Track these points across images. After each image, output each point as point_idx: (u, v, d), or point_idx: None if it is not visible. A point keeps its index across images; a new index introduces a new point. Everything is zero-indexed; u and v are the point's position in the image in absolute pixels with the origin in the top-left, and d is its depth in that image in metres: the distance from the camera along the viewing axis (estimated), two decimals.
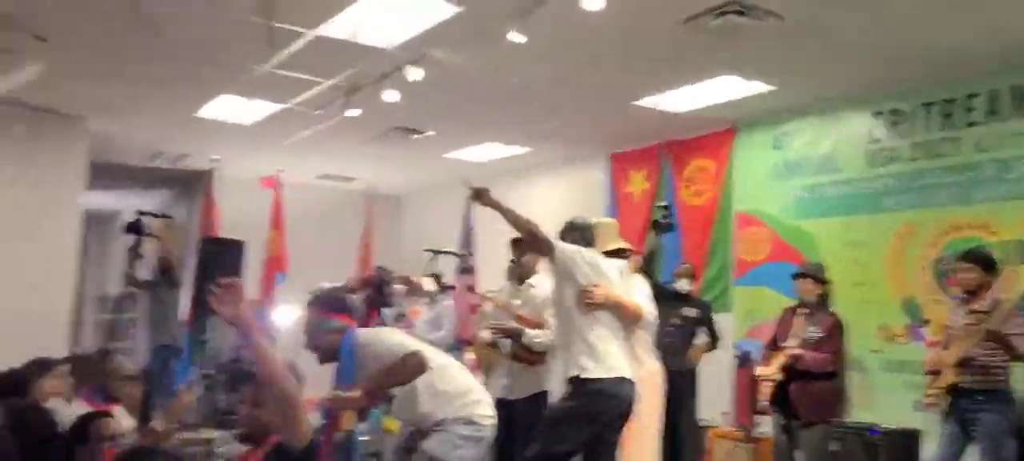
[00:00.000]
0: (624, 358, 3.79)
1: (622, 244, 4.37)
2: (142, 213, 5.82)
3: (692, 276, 6.35)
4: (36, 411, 3.62)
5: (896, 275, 6.29)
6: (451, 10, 5.11)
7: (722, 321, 7.26)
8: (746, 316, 7.37)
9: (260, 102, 7.44)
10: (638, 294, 4.14)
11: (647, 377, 4.15)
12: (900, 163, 6.32)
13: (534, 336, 4.20)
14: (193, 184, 9.72)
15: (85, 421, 3.46)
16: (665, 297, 6.40)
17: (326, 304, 3.64)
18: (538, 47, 5.56)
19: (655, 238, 5.19)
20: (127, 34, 5.92)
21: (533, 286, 4.23)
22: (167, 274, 6.51)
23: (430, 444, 3.54)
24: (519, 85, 6.69)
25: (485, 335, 4.31)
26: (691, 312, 6.21)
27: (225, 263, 7.15)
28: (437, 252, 4.27)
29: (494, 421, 3.61)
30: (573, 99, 7.03)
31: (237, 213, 8.59)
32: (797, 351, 5.13)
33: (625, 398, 3.74)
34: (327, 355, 3.57)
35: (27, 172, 7.59)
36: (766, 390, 5.35)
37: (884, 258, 6.36)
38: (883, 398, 6.10)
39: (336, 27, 5.52)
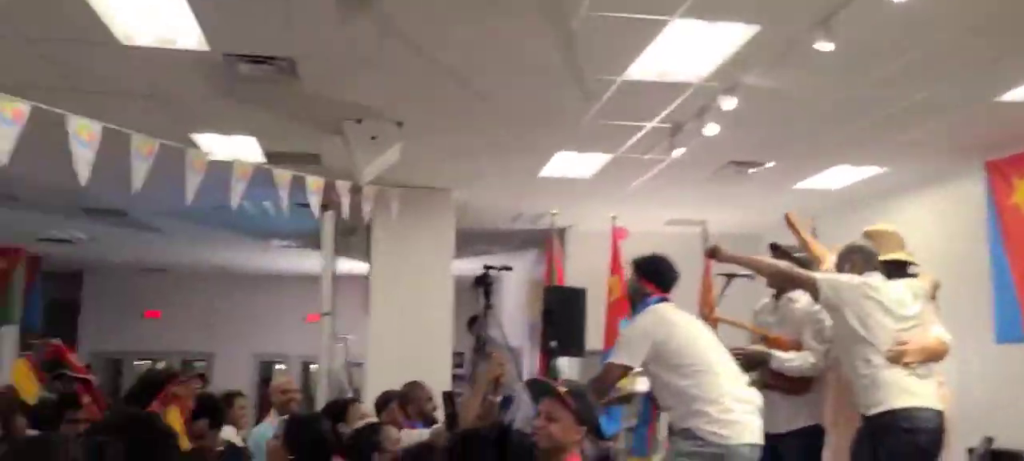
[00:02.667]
0: (916, 381, 3.25)
1: (904, 256, 3.79)
2: (488, 267, 6.35)
3: None
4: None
5: None
6: (749, 31, 4.91)
7: None
8: None
9: (593, 155, 7.77)
10: (936, 326, 3.53)
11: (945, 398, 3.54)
12: None
13: (785, 359, 3.74)
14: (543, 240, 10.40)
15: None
16: None
17: (641, 268, 3.71)
18: (854, 54, 5.10)
19: None
20: (466, 111, 6.62)
21: (793, 300, 3.82)
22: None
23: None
24: (851, 99, 6.17)
25: None
26: None
27: (568, 310, 7.56)
28: (730, 276, 4.07)
29: (732, 442, 3.24)
30: (921, 106, 6.27)
31: (585, 264, 8.97)
32: None
33: (923, 428, 3.19)
34: None
35: (403, 243, 8.72)
36: None
37: None
38: None
39: (642, 69, 5.60)
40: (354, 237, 9.90)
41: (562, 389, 3.09)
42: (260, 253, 13.65)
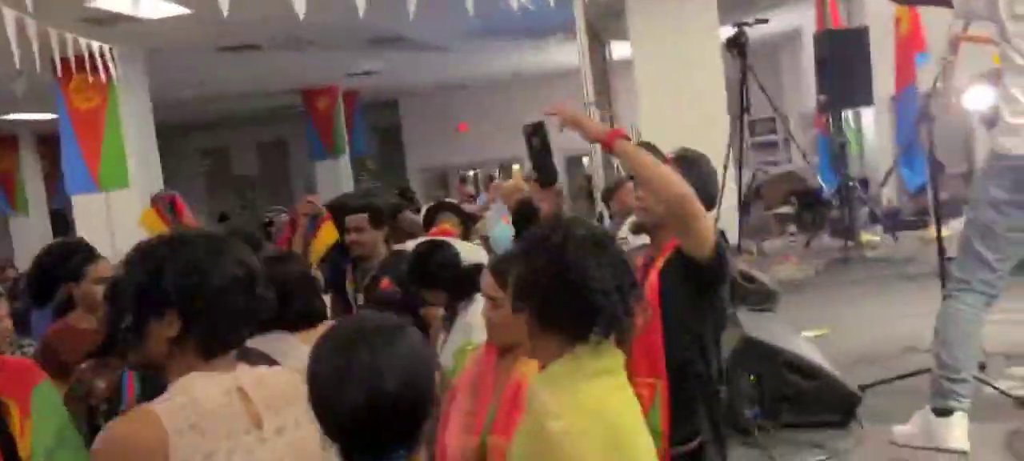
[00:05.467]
0: None
1: None
2: (740, 25, 5.73)
3: None
4: None
5: None
6: None
7: None
8: None
9: None
10: None
11: None
12: None
13: None
14: None
15: None
16: None
17: None
18: None
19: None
20: None
21: None
22: None
23: None
24: None
25: None
26: None
27: (846, 55, 6.64)
28: None
29: None
30: None
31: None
32: None
33: None
34: None
35: (663, 16, 8.21)
36: None
37: None
38: None
39: None
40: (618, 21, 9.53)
41: (668, 154, 2.46)
42: (543, 52, 13.76)
